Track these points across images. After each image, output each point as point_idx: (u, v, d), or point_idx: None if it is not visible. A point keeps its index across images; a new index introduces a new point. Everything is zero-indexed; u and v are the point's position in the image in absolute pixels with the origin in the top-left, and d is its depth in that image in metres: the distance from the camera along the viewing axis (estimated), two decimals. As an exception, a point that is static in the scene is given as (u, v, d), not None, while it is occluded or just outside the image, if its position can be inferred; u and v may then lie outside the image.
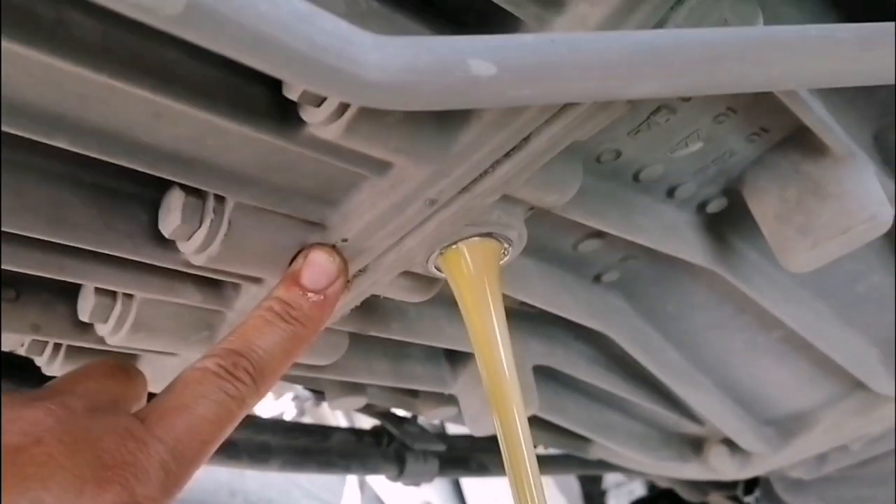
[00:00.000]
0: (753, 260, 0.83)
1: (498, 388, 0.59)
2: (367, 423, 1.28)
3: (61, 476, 0.41)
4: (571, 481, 2.49)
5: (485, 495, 2.69)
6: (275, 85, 0.48)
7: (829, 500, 1.47)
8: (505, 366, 0.59)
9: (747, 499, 1.89)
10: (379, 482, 2.34)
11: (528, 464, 0.56)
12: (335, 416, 2.19)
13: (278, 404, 2.10)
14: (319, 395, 1.09)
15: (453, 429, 1.42)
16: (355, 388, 0.92)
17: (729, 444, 1.12)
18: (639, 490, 2.56)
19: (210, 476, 2.24)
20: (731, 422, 1.03)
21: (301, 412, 2.13)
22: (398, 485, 2.42)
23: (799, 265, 0.69)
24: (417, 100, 0.38)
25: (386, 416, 1.16)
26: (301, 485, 2.32)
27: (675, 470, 1.20)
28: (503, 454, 0.58)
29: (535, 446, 0.59)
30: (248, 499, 2.31)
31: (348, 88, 0.36)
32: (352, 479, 2.20)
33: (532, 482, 0.56)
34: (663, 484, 2.16)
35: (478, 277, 0.61)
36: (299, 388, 1.98)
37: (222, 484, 2.26)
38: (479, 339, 0.61)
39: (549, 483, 2.64)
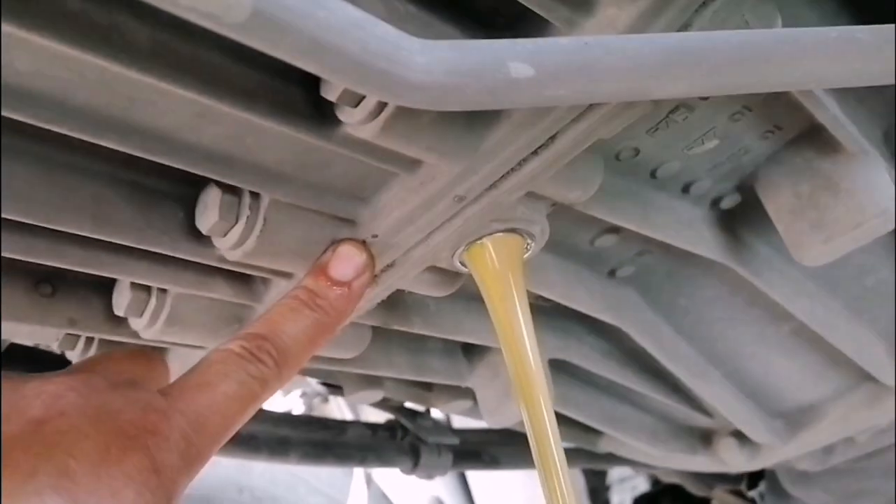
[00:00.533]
0: (765, 255, 0.85)
1: (525, 381, 0.60)
2: (374, 418, 1.29)
3: (85, 444, 0.42)
4: (577, 477, 2.51)
5: (491, 491, 2.71)
6: (312, 85, 0.49)
7: (834, 493, 1.49)
8: (531, 358, 0.61)
9: (751, 493, 1.91)
10: (385, 479, 2.36)
11: (556, 454, 0.58)
12: (342, 413, 2.21)
13: (287, 401, 2.12)
14: (336, 388, 1.11)
15: (458, 422, 1.44)
16: (373, 382, 0.93)
17: (738, 436, 1.14)
18: (642, 485, 2.58)
19: (217, 472, 2.25)
20: (741, 414, 1.05)
21: (310, 409, 2.15)
22: (404, 482, 2.44)
23: (812, 259, 0.71)
24: (460, 101, 0.40)
25: (399, 410, 1.17)
26: (307, 481, 2.33)
27: (685, 462, 1.22)
28: (531, 445, 0.59)
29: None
30: (254, 495, 2.33)
31: (396, 90, 0.38)
32: (358, 476, 2.22)
33: (560, 473, 0.58)
34: (667, 479, 2.19)
35: (502, 272, 0.63)
36: (307, 386, 2.00)
37: (230, 480, 2.28)
38: (505, 332, 0.63)
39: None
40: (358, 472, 2.01)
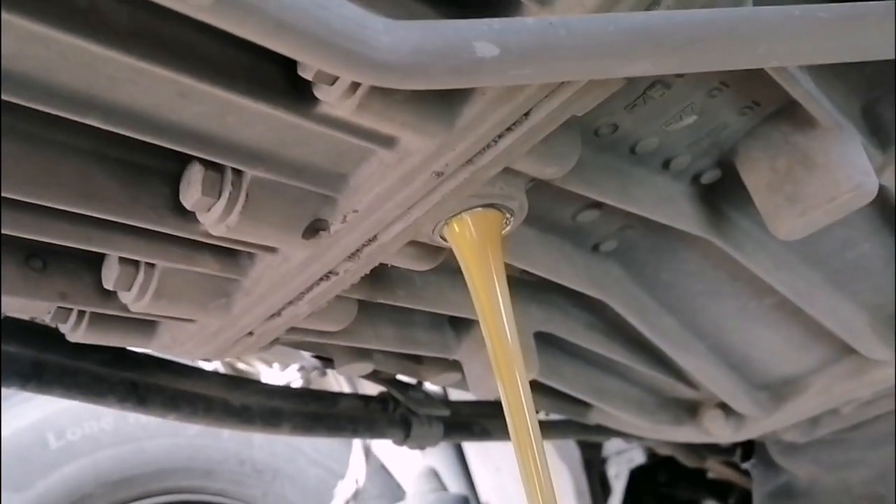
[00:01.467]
0: (746, 228, 0.86)
1: (501, 352, 0.62)
2: (371, 391, 1.31)
3: None
4: (572, 449, 2.53)
5: (487, 463, 2.74)
6: (290, 65, 0.51)
7: (822, 463, 1.51)
8: (507, 330, 0.62)
9: (745, 465, 1.93)
10: (384, 451, 2.39)
11: (529, 425, 0.60)
12: (340, 386, 2.23)
13: (284, 375, 2.14)
14: (328, 362, 1.13)
15: (455, 395, 1.46)
16: (362, 355, 0.95)
17: (723, 407, 1.16)
18: (638, 458, 2.60)
19: (219, 445, 2.29)
20: (724, 386, 1.07)
21: (307, 382, 2.17)
22: (402, 453, 2.46)
23: (787, 233, 0.72)
24: (426, 80, 0.41)
25: (391, 382, 1.19)
26: (307, 453, 2.37)
27: (672, 433, 1.24)
28: (506, 414, 0.61)
29: (536, 411, 0.63)
30: (255, 467, 2.36)
31: (361, 70, 0.39)
32: (357, 448, 2.25)
33: (534, 444, 0.60)
34: (662, 451, 2.21)
35: (481, 246, 0.65)
36: (305, 359, 2.02)
37: (230, 453, 2.31)
38: (483, 305, 0.64)
39: (550, 450, 2.69)
40: (357, 444, 2.04)
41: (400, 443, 1.14)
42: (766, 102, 0.72)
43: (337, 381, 2.09)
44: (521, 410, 0.61)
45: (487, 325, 0.63)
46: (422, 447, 1.16)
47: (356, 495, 2.00)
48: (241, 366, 2.01)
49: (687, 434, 1.23)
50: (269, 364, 2.09)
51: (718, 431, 1.17)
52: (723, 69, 0.47)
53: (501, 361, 0.62)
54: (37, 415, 2.09)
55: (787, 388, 1.12)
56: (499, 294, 0.65)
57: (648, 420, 1.17)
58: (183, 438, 2.22)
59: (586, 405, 1.24)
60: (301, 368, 2.09)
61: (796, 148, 0.72)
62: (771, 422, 1.17)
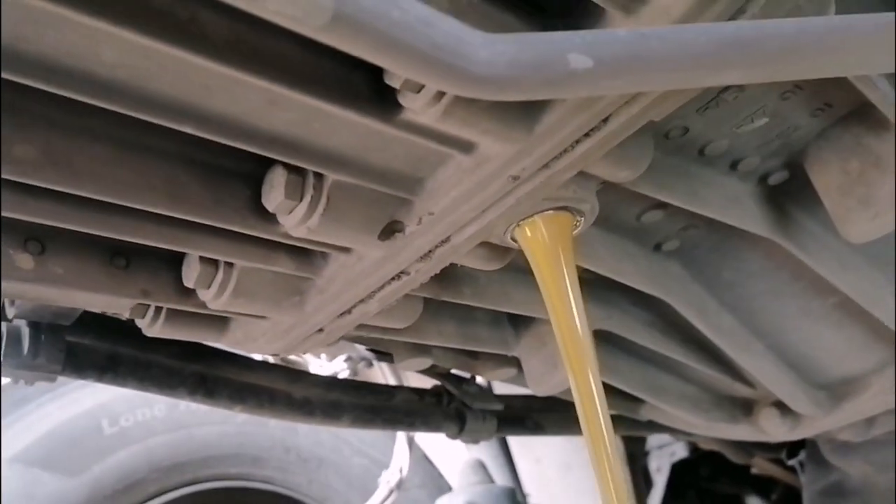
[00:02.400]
0: (812, 229, 0.86)
1: (573, 351, 0.63)
2: (416, 384, 1.33)
3: None
4: (616, 442, 2.52)
5: (528, 454, 2.75)
6: (375, 72, 0.52)
7: (875, 463, 1.49)
8: (580, 329, 0.63)
9: (791, 462, 1.92)
10: (427, 442, 2.41)
11: (602, 421, 0.61)
12: (386, 378, 2.26)
13: (332, 366, 2.17)
14: (383, 355, 1.14)
15: (499, 389, 1.47)
16: (422, 350, 0.97)
17: (779, 406, 1.15)
18: (680, 452, 2.59)
19: (265, 433, 2.33)
20: (783, 385, 1.06)
21: (354, 373, 2.20)
22: (445, 444, 2.48)
23: (858, 235, 0.72)
24: (520, 91, 0.42)
25: (446, 376, 1.21)
26: (351, 443, 2.40)
27: (726, 431, 1.24)
28: (578, 411, 0.62)
29: None
30: (301, 455, 2.40)
31: (461, 83, 0.40)
32: (401, 439, 2.27)
33: (606, 439, 0.60)
34: (707, 446, 2.20)
35: (552, 247, 0.66)
36: (352, 350, 2.04)
37: (277, 441, 2.35)
38: (555, 304, 0.65)
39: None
40: (401, 434, 2.06)
41: (454, 436, 1.15)
42: (839, 104, 0.71)
43: (382, 373, 2.11)
44: (593, 406, 0.62)
45: (560, 323, 0.64)
46: (475, 441, 1.17)
47: (400, 485, 2.02)
48: (291, 357, 2.04)
49: (741, 432, 1.23)
50: (318, 355, 2.12)
51: (774, 430, 1.17)
52: (812, 78, 0.47)
53: (574, 359, 0.62)
54: (91, 402, 2.14)
55: (846, 388, 1.11)
56: (570, 294, 0.65)
57: (703, 418, 1.17)
58: (231, 426, 2.27)
59: (639, 401, 1.24)
60: (348, 359, 2.12)
61: (869, 150, 0.71)
62: (828, 421, 1.16)
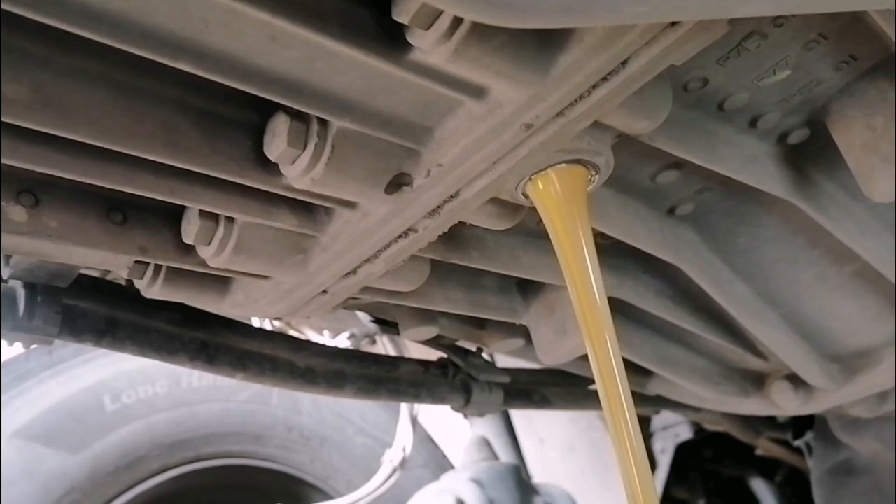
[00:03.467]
0: (831, 192, 0.83)
1: (589, 311, 0.61)
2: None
3: None
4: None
5: (531, 434, 2.74)
6: (384, 9, 0.49)
7: (885, 441, 1.47)
8: (596, 289, 0.61)
9: (797, 443, 1.90)
10: (430, 421, 2.39)
11: (620, 385, 0.58)
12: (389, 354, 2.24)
13: (335, 342, 2.15)
14: (389, 326, 1.12)
15: (503, 363, 1.45)
16: (428, 318, 0.94)
17: (792, 379, 1.13)
18: (685, 433, 2.58)
19: (268, 412, 2.32)
20: (796, 356, 1.04)
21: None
22: (449, 423, 2.46)
23: (882, 194, 0.69)
24: (540, 17, 0.39)
25: (451, 348, 1.19)
26: (354, 421, 2.39)
27: (737, 405, 1.22)
28: (595, 376, 0.60)
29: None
30: (303, 434, 2.39)
31: (477, 5, 0.37)
32: (404, 417, 2.26)
33: (625, 401, 0.58)
34: (714, 426, 2.18)
35: (567, 202, 0.63)
36: (356, 326, 2.02)
37: (279, 419, 2.34)
38: (570, 263, 0.63)
39: (598, 425, 2.68)
40: (404, 413, 2.05)
41: (460, 409, 1.13)
42: (864, 57, 0.69)
43: (386, 350, 2.09)
44: (610, 368, 0.59)
45: (575, 284, 0.62)
46: (481, 414, 1.15)
47: (403, 464, 2.01)
48: (292, 333, 2.02)
49: (753, 406, 1.20)
50: (320, 331, 2.10)
51: (786, 404, 1.15)
52: (842, 9, 0.44)
53: (590, 322, 0.60)
54: (93, 378, 2.13)
55: (860, 361, 1.08)
56: (586, 252, 0.63)
57: (714, 391, 1.15)
58: (234, 404, 2.25)
59: (647, 374, 1.22)
60: (351, 336, 2.10)
61: (895, 106, 0.69)
62: (840, 395, 1.14)
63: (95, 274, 0.86)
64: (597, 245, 0.89)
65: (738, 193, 0.84)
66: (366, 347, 2.17)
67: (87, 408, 2.09)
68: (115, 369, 2.12)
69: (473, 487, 1.58)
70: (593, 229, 0.80)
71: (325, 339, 2.09)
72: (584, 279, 0.61)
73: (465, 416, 1.43)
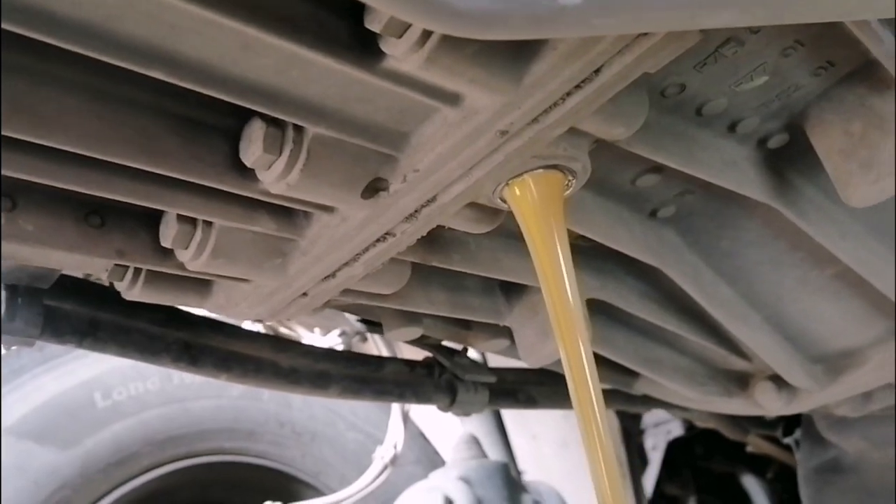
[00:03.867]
0: (811, 196, 0.83)
1: (563, 316, 0.61)
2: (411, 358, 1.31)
3: None
4: (611, 419, 2.53)
5: (524, 431, 2.74)
6: (356, 17, 0.49)
7: (872, 439, 1.48)
8: (570, 295, 0.61)
9: (786, 440, 1.91)
10: (422, 417, 2.40)
11: (591, 388, 0.59)
12: (380, 353, 2.24)
13: (326, 340, 2.15)
14: (375, 326, 1.13)
15: (494, 362, 1.46)
16: (412, 319, 0.95)
17: (775, 380, 1.14)
18: (676, 430, 2.59)
19: (260, 408, 2.32)
20: (779, 358, 1.04)
21: (348, 347, 2.19)
22: (440, 420, 2.46)
23: (859, 200, 0.70)
24: (505, 29, 0.39)
25: (437, 348, 1.19)
26: (345, 417, 2.39)
27: (721, 405, 1.22)
28: (568, 380, 0.60)
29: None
30: (295, 430, 2.39)
31: (439, 17, 0.38)
32: (395, 413, 2.27)
33: (597, 411, 0.58)
34: (703, 424, 2.19)
35: (543, 208, 0.63)
36: (347, 324, 2.03)
37: (271, 415, 2.34)
38: (545, 268, 0.63)
39: (588, 421, 2.68)
40: (395, 409, 2.05)
41: (445, 409, 1.14)
42: (842, 63, 0.69)
43: (377, 348, 2.10)
44: (582, 374, 0.60)
45: (549, 288, 0.62)
46: (467, 413, 1.16)
47: (394, 460, 2.01)
48: (283, 330, 2.02)
49: (737, 406, 1.21)
50: (311, 329, 2.10)
51: (770, 404, 1.15)
52: (812, 20, 0.45)
53: (563, 325, 0.60)
54: (84, 374, 2.13)
55: (843, 362, 1.09)
56: (560, 257, 0.63)
57: (698, 391, 1.15)
58: (226, 400, 2.26)
59: (633, 375, 1.23)
60: (342, 334, 2.10)
61: (872, 111, 0.69)
62: (824, 395, 1.14)
63: (78, 275, 0.86)
64: (579, 247, 0.90)
65: (720, 197, 0.84)
66: (357, 344, 2.18)
67: (78, 404, 2.09)
68: (106, 366, 2.12)
69: (461, 486, 1.58)
70: (575, 232, 0.81)
71: (315, 335, 2.09)
72: (558, 283, 0.61)
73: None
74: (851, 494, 1.61)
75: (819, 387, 1.10)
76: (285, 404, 2.33)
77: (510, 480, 1.68)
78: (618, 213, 0.83)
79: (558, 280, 0.62)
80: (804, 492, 1.69)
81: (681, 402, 1.26)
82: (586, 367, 0.60)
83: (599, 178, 0.79)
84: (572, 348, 0.60)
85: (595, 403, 0.60)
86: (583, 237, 0.82)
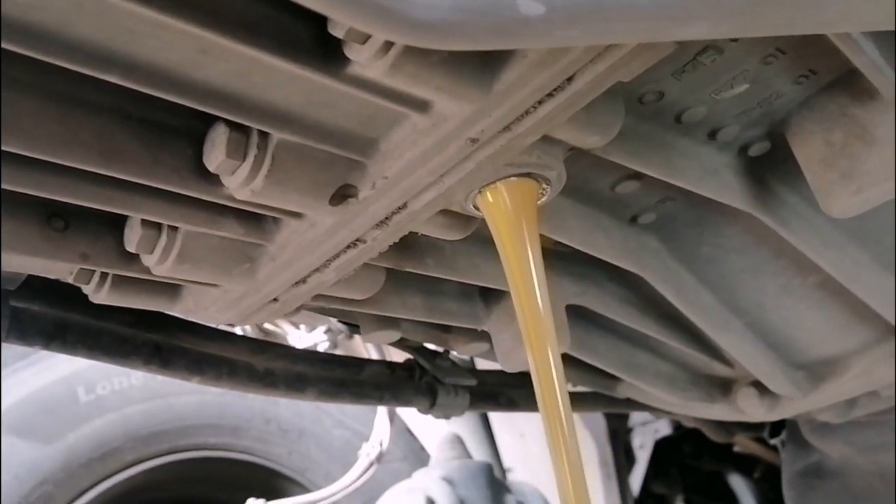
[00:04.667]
0: (793, 204, 0.82)
1: (532, 326, 0.60)
2: (398, 356, 1.30)
3: None
4: (598, 419, 2.52)
5: (511, 429, 2.73)
6: (320, 22, 0.48)
7: (856, 445, 1.48)
8: (540, 303, 0.60)
9: (773, 441, 1.90)
10: (409, 414, 2.39)
11: (559, 399, 0.58)
12: (367, 349, 2.23)
13: (311, 336, 2.14)
14: (354, 327, 1.11)
15: (482, 365, 1.45)
16: (389, 323, 0.93)
17: (758, 386, 1.13)
18: (664, 429, 2.58)
19: (245, 404, 2.30)
20: (761, 365, 1.03)
21: (334, 345, 2.17)
22: (426, 417, 2.46)
23: (840, 211, 0.68)
24: (466, 40, 0.38)
25: (418, 350, 1.18)
26: (332, 414, 2.38)
27: (703, 411, 1.22)
28: (535, 388, 0.59)
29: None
30: (281, 426, 2.38)
31: (397, 28, 0.36)
32: (382, 411, 2.26)
33: (563, 418, 0.57)
34: (689, 424, 2.19)
35: (515, 216, 0.62)
36: (333, 321, 2.01)
37: (257, 412, 2.33)
38: (516, 277, 0.62)
39: (575, 419, 2.68)
40: (381, 407, 2.04)
41: (425, 411, 1.12)
42: (824, 71, 0.68)
43: (364, 346, 2.09)
44: (550, 384, 0.59)
45: (519, 297, 0.61)
46: (447, 416, 1.15)
47: (380, 457, 2.00)
48: (268, 326, 2.01)
49: (719, 412, 1.20)
50: (297, 326, 2.09)
51: (752, 410, 1.14)
52: (786, 34, 0.43)
53: (533, 335, 0.59)
54: (67, 369, 2.12)
55: (825, 369, 1.08)
56: (532, 267, 0.62)
57: (679, 396, 1.14)
58: (211, 396, 2.24)
59: (616, 379, 1.22)
60: (328, 331, 2.09)
61: (854, 121, 0.68)
62: (807, 402, 1.14)
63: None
64: (559, 252, 0.89)
65: (701, 204, 0.83)
66: (343, 342, 2.17)
67: (61, 399, 2.08)
68: (89, 360, 2.11)
69: (444, 486, 1.57)
70: (553, 238, 0.79)
71: (301, 332, 2.07)
72: (528, 291, 0.60)
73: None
74: (835, 499, 1.60)
75: (801, 394, 1.09)
76: (271, 401, 2.32)
77: (493, 480, 1.67)
78: (596, 220, 0.82)
79: (528, 288, 0.61)
80: (788, 495, 1.69)
81: (663, 406, 1.25)
82: (554, 374, 0.59)
83: (577, 185, 0.78)
84: (540, 355, 0.59)
85: (562, 412, 0.59)
86: (559, 242, 0.81)
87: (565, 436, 0.57)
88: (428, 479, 1.60)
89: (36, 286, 0.81)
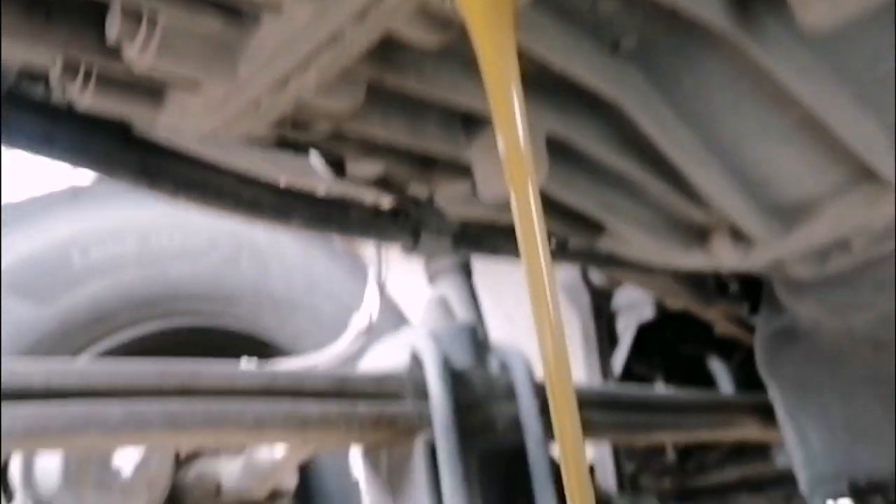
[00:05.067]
0: (775, 31, 0.82)
1: (506, 116, 0.61)
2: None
3: None
4: (582, 294, 2.58)
5: (500, 314, 2.79)
6: None
7: (827, 305, 1.52)
8: (517, 115, 0.61)
9: (752, 318, 1.96)
10: (398, 290, 2.43)
11: (538, 232, 0.59)
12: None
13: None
14: (338, 169, 1.13)
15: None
16: (372, 150, 0.95)
17: (733, 233, 1.16)
18: (647, 313, 2.65)
19: (238, 274, 2.34)
20: (736, 205, 1.06)
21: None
22: (416, 293, 2.50)
23: (815, 18, 0.69)
24: None
25: (403, 197, 1.20)
26: (323, 287, 2.42)
27: (680, 259, 1.25)
28: (515, 216, 0.60)
29: (547, 232, 0.61)
30: (273, 297, 2.42)
31: None
32: (372, 283, 2.31)
33: (541, 246, 0.59)
34: (672, 302, 2.25)
35: (494, 11, 0.62)
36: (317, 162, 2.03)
37: (248, 283, 2.37)
38: (493, 74, 0.63)
39: (566, 305, 2.74)
40: (371, 279, 2.08)
41: (409, 250, 1.15)
42: None
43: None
44: (528, 211, 0.59)
45: (497, 106, 0.62)
46: (430, 256, 1.18)
47: (369, 329, 2.06)
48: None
49: (695, 260, 1.23)
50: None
51: (727, 256, 1.18)
52: None
53: (510, 143, 0.60)
54: (61, 232, 2.14)
55: (799, 212, 1.10)
56: (511, 65, 0.63)
57: (657, 243, 1.17)
58: (203, 266, 2.28)
59: (597, 230, 1.24)
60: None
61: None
62: (780, 247, 1.17)
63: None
64: (539, 80, 0.89)
65: (683, 31, 0.83)
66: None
67: (55, 262, 2.10)
68: (83, 224, 2.13)
69: (430, 342, 1.62)
70: (531, 54, 0.80)
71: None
72: (506, 83, 0.61)
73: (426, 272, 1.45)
74: (805, 360, 1.66)
75: (774, 237, 1.12)
76: (264, 272, 2.35)
77: (478, 341, 1.72)
78: (577, 42, 0.82)
79: (507, 80, 0.62)
80: (759, 356, 1.75)
81: (643, 256, 1.28)
82: (533, 206, 0.59)
83: (558, 2, 0.78)
84: (519, 174, 0.60)
85: (540, 245, 0.60)
86: (544, 68, 0.82)
87: (546, 275, 0.58)
88: (414, 335, 1.65)
89: (20, 102, 0.82)
